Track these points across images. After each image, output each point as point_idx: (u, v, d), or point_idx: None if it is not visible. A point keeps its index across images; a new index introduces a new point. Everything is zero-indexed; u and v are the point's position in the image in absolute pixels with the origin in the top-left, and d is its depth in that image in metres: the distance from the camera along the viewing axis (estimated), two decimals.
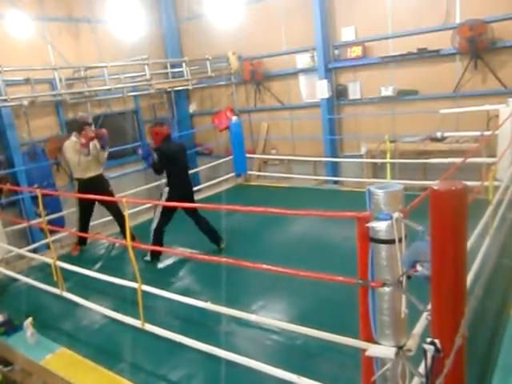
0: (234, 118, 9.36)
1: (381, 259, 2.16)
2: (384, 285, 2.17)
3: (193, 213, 5.69)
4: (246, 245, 5.75)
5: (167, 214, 5.59)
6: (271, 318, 3.85)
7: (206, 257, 3.74)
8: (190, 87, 10.41)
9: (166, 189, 5.61)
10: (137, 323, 3.67)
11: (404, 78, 8.47)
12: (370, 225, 2.13)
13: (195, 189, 9.26)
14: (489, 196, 4.45)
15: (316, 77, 9.33)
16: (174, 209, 5.54)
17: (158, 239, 5.58)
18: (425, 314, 2.53)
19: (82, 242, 6.43)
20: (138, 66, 9.46)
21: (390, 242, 2.10)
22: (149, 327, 3.63)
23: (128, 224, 3.62)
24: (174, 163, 5.59)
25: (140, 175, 10.43)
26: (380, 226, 2.10)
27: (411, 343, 2.26)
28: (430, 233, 2.01)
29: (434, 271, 2.03)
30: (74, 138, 5.97)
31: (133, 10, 9.28)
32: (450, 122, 7.75)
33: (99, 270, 4.92)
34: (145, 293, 3.65)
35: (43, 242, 6.50)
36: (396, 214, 2.07)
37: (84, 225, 6.22)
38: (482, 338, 3.36)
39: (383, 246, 2.13)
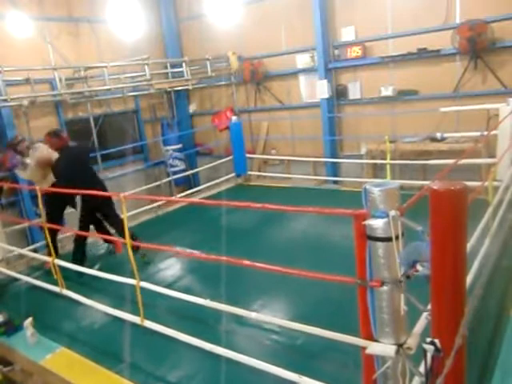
0: (234, 117, 9.35)
1: (378, 257, 2.16)
2: (382, 283, 2.17)
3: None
4: (246, 244, 5.75)
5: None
6: (271, 316, 3.85)
7: (206, 256, 3.73)
8: (190, 87, 10.41)
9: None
10: (136, 320, 3.67)
11: (404, 78, 8.47)
12: (366, 222, 2.14)
13: (195, 189, 9.31)
14: (489, 196, 4.45)
15: (316, 77, 9.33)
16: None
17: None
18: (425, 314, 2.53)
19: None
20: (138, 65, 9.46)
21: (387, 239, 2.10)
22: (148, 324, 3.63)
23: (126, 224, 3.61)
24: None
25: (139, 175, 10.46)
26: (376, 224, 2.11)
27: (411, 342, 2.26)
28: (429, 233, 2.01)
29: (434, 271, 2.03)
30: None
31: (133, 10, 9.28)
32: (450, 122, 7.76)
33: (98, 269, 4.93)
34: (144, 291, 3.65)
35: (43, 242, 6.49)
36: (392, 212, 2.07)
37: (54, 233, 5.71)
38: (482, 338, 3.36)
39: (380, 244, 2.13)
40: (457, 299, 2.07)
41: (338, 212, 2.51)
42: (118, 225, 5.37)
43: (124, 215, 3.50)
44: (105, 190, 5.71)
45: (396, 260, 2.12)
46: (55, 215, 5.60)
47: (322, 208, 2.87)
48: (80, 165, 5.57)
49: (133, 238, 5.63)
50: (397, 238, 2.09)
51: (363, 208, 2.18)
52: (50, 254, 5.25)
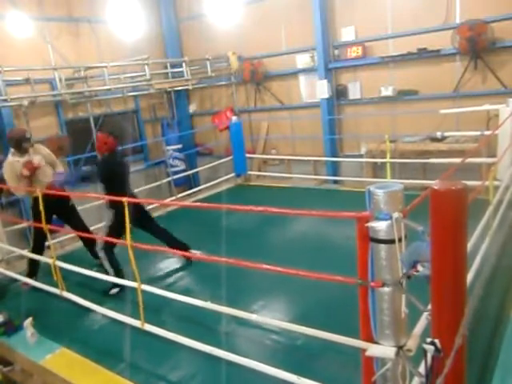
0: (234, 117, 9.36)
1: (380, 259, 2.15)
2: (384, 285, 2.16)
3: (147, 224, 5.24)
4: (246, 245, 5.74)
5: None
6: (271, 317, 3.85)
7: (206, 257, 3.73)
8: (190, 87, 10.42)
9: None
10: (136, 323, 3.67)
11: (404, 78, 8.47)
12: (369, 225, 2.13)
13: (195, 189, 9.31)
14: (489, 196, 4.45)
15: (316, 77, 9.34)
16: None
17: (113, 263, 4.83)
18: (425, 314, 2.53)
19: (34, 271, 5.27)
20: (138, 66, 9.47)
21: (390, 241, 2.10)
22: (148, 327, 3.62)
23: (128, 227, 3.61)
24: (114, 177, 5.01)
25: (140, 175, 10.44)
26: (380, 226, 2.10)
27: (411, 343, 2.25)
28: (430, 233, 2.01)
29: (434, 271, 2.03)
30: (11, 156, 5.09)
31: (133, 10, 9.29)
32: (450, 122, 7.75)
33: (99, 271, 4.92)
34: (145, 292, 3.65)
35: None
36: (396, 214, 2.06)
37: (40, 247, 5.31)
38: (482, 337, 3.36)
39: (383, 246, 2.12)
40: (457, 299, 2.07)
41: (340, 215, 2.50)
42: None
43: (126, 219, 3.50)
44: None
45: (398, 262, 2.11)
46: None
47: (324, 209, 2.86)
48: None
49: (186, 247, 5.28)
50: (400, 240, 2.09)
51: (363, 208, 2.18)
52: (30, 262, 5.26)
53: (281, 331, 3.73)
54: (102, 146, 5.02)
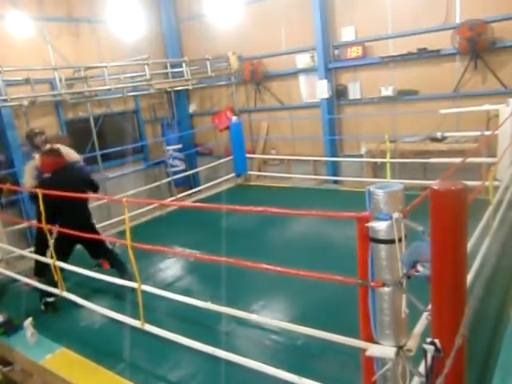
0: (234, 117, 9.36)
1: (381, 259, 2.15)
2: (384, 285, 2.16)
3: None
4: (246, 245, 5.74)
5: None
6: (272, 317, 3.85)
7: (206, 257, 3.73)
8: (190, 87, 10.42)
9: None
10: (136, 323, 3.67)
11: (404, 78, 8.47)
12: (369, 225, 2.13)
13: (195, 189, 9.30)
14: (489, 196, 4.45)
15: (316, 77, 9.34)
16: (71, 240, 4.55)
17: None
18: (425, 314, 2.53)
19: (41, 270, 4.94)
20: (138, 66, 9.47)
21: (390, 241, 2.10)
22: (148, 327, 3.62)
23: (128, 226, 3.60)
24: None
25: (139, 175, 10.46)
26: (380, 226, 2.10)
27: (411, 343, 2.25)
28: (430, 233, 2.01)
29: (434, 271, 2.03)
30: (32, 161, 5.17)
31: (133, 10, 9.29)
32: (450, 122, 7.76)
33: (99, 271, 4.92)
34: (144, 293, 3.65)
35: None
36: (396, 214, 2.06)
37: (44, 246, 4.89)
38: (482, 338, 3.36)
39: (383, 246, 2.12)
40: (457, 299, 2.07)
41: (341, 215, 2.50)
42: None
43: (126, 218, 3.50)
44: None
45: (398, 262, 2.11)
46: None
47: (324, 209, 2.86)
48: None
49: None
50: (400, 240, 2.09)
51: (363, 208, 2.18)
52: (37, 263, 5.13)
53: (281, 331, 3.73)
54: (45, 168, 4.81)
